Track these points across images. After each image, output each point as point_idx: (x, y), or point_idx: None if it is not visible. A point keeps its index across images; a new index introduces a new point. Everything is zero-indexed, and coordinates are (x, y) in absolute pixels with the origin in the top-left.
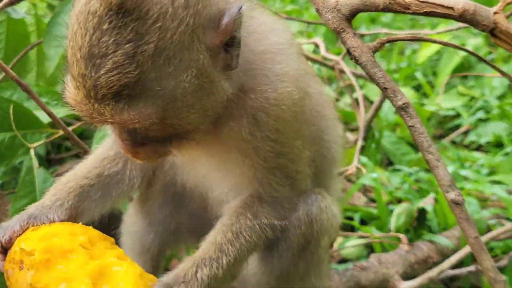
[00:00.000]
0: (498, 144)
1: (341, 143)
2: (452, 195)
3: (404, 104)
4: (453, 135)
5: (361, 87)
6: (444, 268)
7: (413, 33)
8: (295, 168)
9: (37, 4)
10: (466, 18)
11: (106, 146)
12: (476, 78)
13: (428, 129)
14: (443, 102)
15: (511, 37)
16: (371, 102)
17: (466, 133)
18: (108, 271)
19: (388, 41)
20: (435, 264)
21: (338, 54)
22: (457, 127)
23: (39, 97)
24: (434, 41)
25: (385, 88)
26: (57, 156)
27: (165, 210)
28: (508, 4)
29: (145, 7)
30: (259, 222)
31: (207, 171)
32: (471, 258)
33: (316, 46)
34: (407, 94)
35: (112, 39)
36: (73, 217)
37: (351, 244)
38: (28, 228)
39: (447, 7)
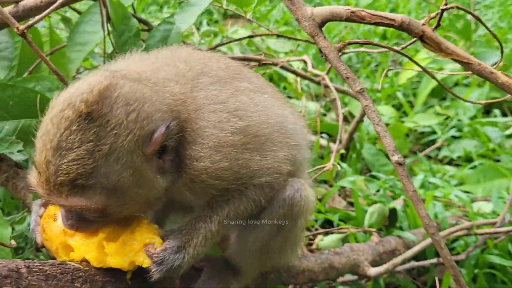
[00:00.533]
0: (468, 159)
1: (308, 145)
2: (396, 157)
3: (361, 89)
4: (428, 150)
5: (346, 104)
6: (408, 256)
7: (372, 42)
8: (265, 167)
9: (51, 16)
10: (403, 27)
11: None
12: (452, 99)
13: (406, 144)
14: (421, 120)
15: (434, 42)
16: (354, 117)
17: (440, 148)
18: (123, 220)
19: (349, 43)
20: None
21: (323, 70)
22: (433, 142)
23: (58, 90)
24: (395, 50)
25: (347, 78)
26: None
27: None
28: (431, 19)
29: (106, 117)
30: (247, 198)
31: (184, 201)
32: (434, 253)
33: (305, 63)
34: (388, 111)
35: (78, 138)
36: None
37: (328, 239)
38: None
39: (390, 19)
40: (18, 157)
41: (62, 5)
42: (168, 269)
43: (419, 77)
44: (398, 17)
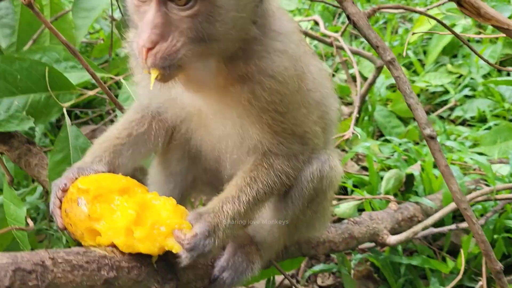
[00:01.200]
0: (482, 119)
1: (337, 109)
2: (428, 131)
3: (392, 59)
4: (440, 110)
5: (357, 62)
6: (428, 224)
7: (403, 6)
8: (302, 129)
9: None
10: None
11: (134, 109)
12: (464, 57)
13: None
14: (433, 79)
15: (472, 6)
16: (365, 78)
17: (452, 108)
18: (149, 203)
19: (379, 9)
20: (420, 222)
21: (335, 31)
22: (445, 103)
23: (66, 61)
24: (420, 12)
25: (377, 47)
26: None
27: (183, 163)
28: None
29: None
30: (274, 170)
31: (220, 136)
32: (452, 219)
33: (316, 23)
34: None
35: None
36: (111, 171)
37: (345, 206)
38: (78, 177)
39: None
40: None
41: None
42: (199, 254)
43: (430, 34)
44: None
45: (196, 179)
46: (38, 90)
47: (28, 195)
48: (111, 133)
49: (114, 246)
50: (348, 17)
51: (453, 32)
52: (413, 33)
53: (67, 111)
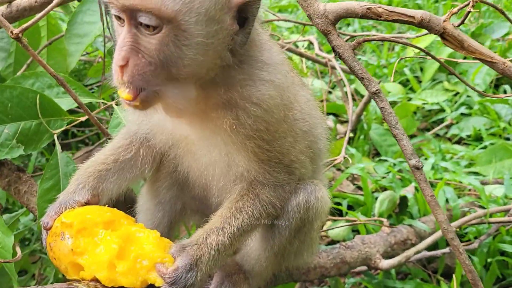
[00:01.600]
0: (478, 138)
1: (327, 138)
2: (413, 161)
3: (377, 90)
4: (437, 129)
5: (352, 81)
6: (421, 248)
7: (388, 38)
8: (289, 158)
9: None
10: (423, 25)
11: (122, 135)
12: (461, 74)
13: (414, 122)
14: (429, 97)
15: (455, 39)
16: (362, 96)
17: (449, 126)
18: (133, 236)
19: (364, 41)
20: (413, 245)
21: (330, 51)
22: (441, 121)
23: (58, 87)
24: (403, 43)
25: (362, 78)
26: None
27: (171, 192)
28: (453, 14)
29: None
30: (260, 200)
31: (206, 163)
32: (446, 242)
33: (311, 43)
34: (395, 88)
35: None
36: (95, 197)
37: (339, 227)
38: (62, 212)
39: (410, 16)
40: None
41: (57, 5)
42: (184, 286)
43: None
44: (418, 13)
45: (185, 207)
46: (29, 117)
47: (23, 216)
48: (97, 158)
49: (97, 280)
50: (333, 49)
51: (437, 60)
52: (401, 59)
53: (62, 133)
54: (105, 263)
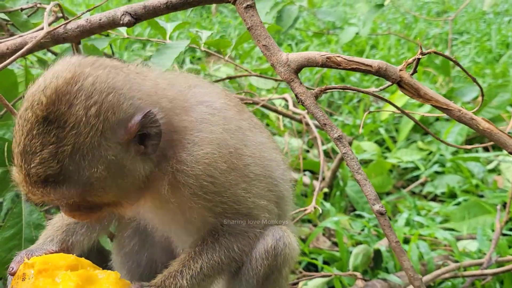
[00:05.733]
0: (452, 195)
1: (289, 181)
2: (377, 207)
3: (339, 136)
4: (412, 186)
5: (329, 140)
6: None
7: (350, 87)
8: (246, 206)
9: (28, 57)
10: (380, 73)
11: None
12: (435, 132)
13: (390, 180)
14: (404, 156)
15: (411, 87)
16: (337, 154)
17: (423, 184)
18: (94, 277)
19: (326, 89)
20: None
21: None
22: (416, 178)
23: None
24: (366, 92)
25: (324, 124)
26: None
27: (134, 241)
28: (409, 64)
29: (64, 118)
30: (220, 245)
31: (163, 221)
32: None
33: (286, 101)
34: (371, 147)
35: (39, 142)
36: (65, 250)
37: (312, 283)
38: (28, 259)
39: (367, 65)
40: None
41: (28, 52)
42: None
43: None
44: (374, 63)
45: (153, 259)
46: None
47: None
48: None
49: None
50: (296, 96)
51: (413, 119)
52: (369, 112)
53: None
54: None
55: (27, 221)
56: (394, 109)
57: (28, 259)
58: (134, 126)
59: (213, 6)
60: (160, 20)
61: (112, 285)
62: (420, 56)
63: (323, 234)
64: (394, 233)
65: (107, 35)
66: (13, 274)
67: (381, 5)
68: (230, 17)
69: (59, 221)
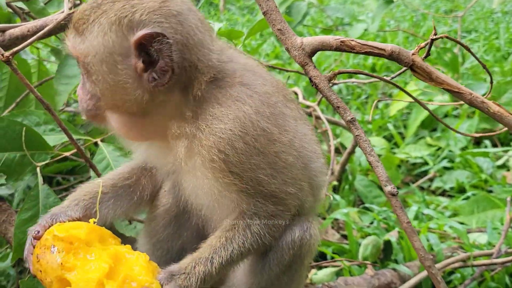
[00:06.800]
0: (460, 190)
1: (325, 174)
2: (389, 188)
3: (352, 118)
4: (420, 181)
5: (337, 135)
6: None
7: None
8: (270, 190)
9: (41, 49)
10: (393, 57)
11: (125, 165)
12: (443, 130)
13: (398, 175)
14: (412, 151)
15: (424, 71)
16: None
17: (432, 179)
18: (123, 257)
19: (339, 73)
20: None
21: (314, 100)
22: (425, 173)
23: (46, 124)
24: (382, 79)
25: (338, 107)
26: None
27: (168, 229)
28: (421, 48)
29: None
30: (252, 232)
31: (200, 196)
32: (431, 285)
33: (296, 94)
34: (380, 142)
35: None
36: (87, 217)
37: (322, 272)
38: (52, 224)
39: (380, 49)
40: (3, 191)
41: (49, 34)
42: None
43: (409, 108)
44: (388, 46)
45: (183, 246)
46: (13, 149)
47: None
48: (96, 181)
49: None
50: (310, 79)
51: (426, 108)
52: (379, 101)
53: (47, 176)
54: (94, 281)
55: (43, 204)
56: (405, 100)
57: (53, 225)
58: (140, 36)
59: (221, 3)
60: None
61: (142, 269)
62: (434, 37)
63: (332, 227)
64: (405, 214)
65: None
66: (38, 238)
67: (390, 1)
68: (237, 14)
69: (89, 186)
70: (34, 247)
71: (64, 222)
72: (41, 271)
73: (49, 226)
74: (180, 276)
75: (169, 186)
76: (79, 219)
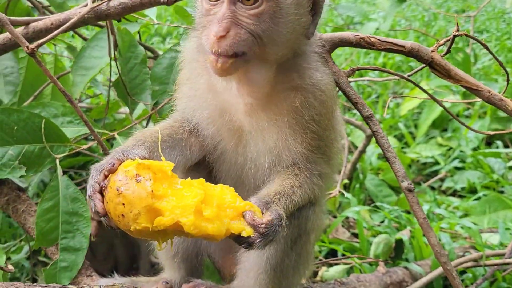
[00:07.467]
0: (472, 190)
1: (341, 153)
2: (405, 183)
3: (370, 114)
4: (431, 181)
5: (348, 134)
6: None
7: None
8: (330, 152)
9: (57, 44)
10: (413, 54)
11: (173, 118)
12: (454, 131)
13: (409, 174)
14: (423, 151)
15: (443, 68)
16: (357, 148)
17: (443, 179)
18: (210, 186)
19: (358, 69)
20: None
21: None
22: (436, 173)
23: (63, 117)
24: (400, 76)
25: (356, 103)
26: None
27: None
28: (440, 45)
29: None
30: (314, 183)
31: (258, 152)
32: (442, 285)
33: None
34: (390, 142)
35: None
36: (150, 158)
37: (334, 269)
38: (125, 159)
39: (400, 46)
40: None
41: (73, 27)
42: (271, 240)
43: (420, 108)
44: (407, 43)
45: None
46: (33, 141)
47: (14, 254)
48: (153, 128)
49: (176, 227)
50: None
51: (442, 105)
52: (393, 97)
53: (62, 169)
54: (192, 207)
55: (63, 194)
56: (419, 97)
57: (125, 161)
58: None
59: None
60: (188, 8)
61: (235, 196)
62: (456, 33)
63: (342, 226)
64: (422, 210)
65: (136, 21)
66: (112, 172)
67: (403, 0)
68: None
69: (149, 131)
70: (99, 185)
71: (134, 159)
72: (124, 204)
73: (122, 161)
74: (275, 204)
75: (216, 154)
76: (145, 159)
